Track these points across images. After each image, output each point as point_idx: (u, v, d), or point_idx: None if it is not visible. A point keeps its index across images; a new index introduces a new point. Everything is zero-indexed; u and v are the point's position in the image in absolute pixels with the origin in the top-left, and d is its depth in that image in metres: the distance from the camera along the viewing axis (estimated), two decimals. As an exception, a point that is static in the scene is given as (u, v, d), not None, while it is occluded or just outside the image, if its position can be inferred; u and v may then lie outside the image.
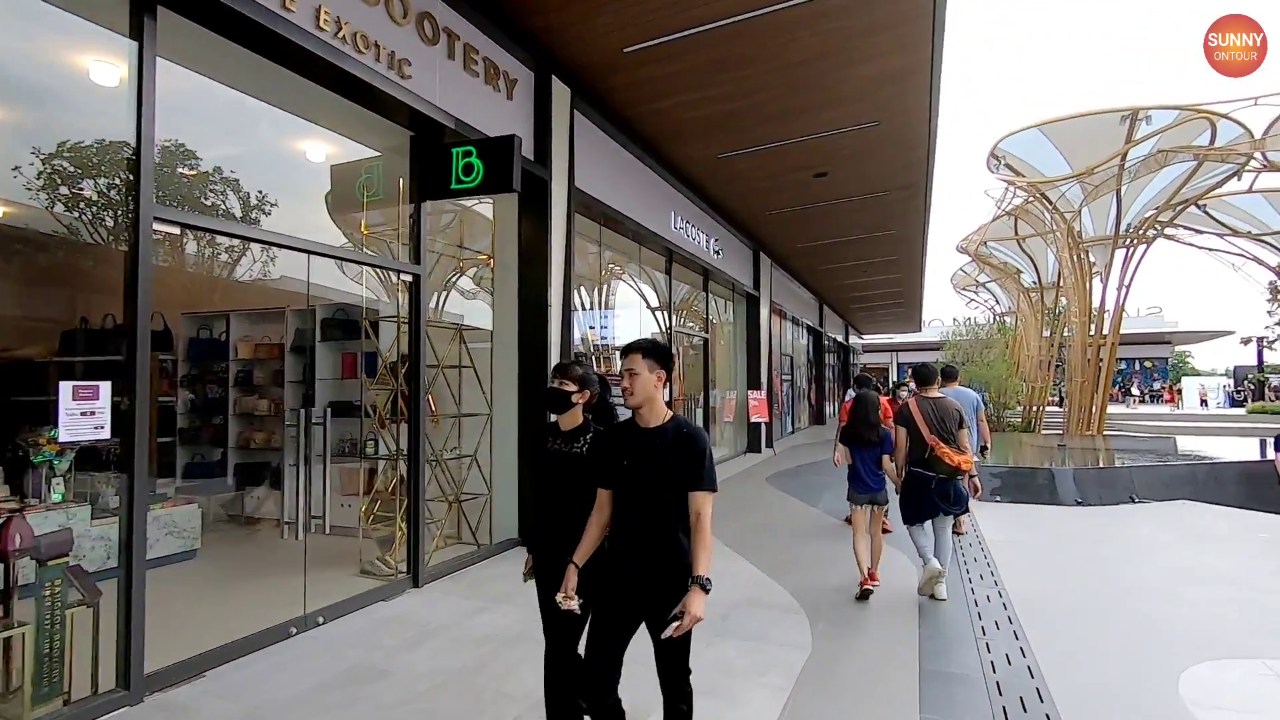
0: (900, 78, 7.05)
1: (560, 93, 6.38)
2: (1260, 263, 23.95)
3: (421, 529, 4.86)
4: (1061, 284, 26.32)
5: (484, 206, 6.39)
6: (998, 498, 8.62)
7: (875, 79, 7.02)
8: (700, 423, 11.96)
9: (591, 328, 9.80)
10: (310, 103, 4.47)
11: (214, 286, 7.02)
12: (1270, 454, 8.73)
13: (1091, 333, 20.04)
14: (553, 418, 2.67)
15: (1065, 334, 29.84)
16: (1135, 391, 38.19)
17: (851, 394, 5.99)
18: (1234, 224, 22.15)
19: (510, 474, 6.13)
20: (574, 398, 2.57)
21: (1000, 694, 3.30)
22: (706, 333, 12.12)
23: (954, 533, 6.64)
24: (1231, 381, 40.90)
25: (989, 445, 7.29)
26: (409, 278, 4.92)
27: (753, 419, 13.58)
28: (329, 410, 5.05)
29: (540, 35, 5.79)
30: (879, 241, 14.87)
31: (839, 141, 8.85)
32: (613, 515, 2.41)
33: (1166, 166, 16.19)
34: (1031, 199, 19.71)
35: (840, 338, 31.19)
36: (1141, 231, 18.64)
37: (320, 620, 4.15)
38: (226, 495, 6.74)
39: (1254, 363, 35.58)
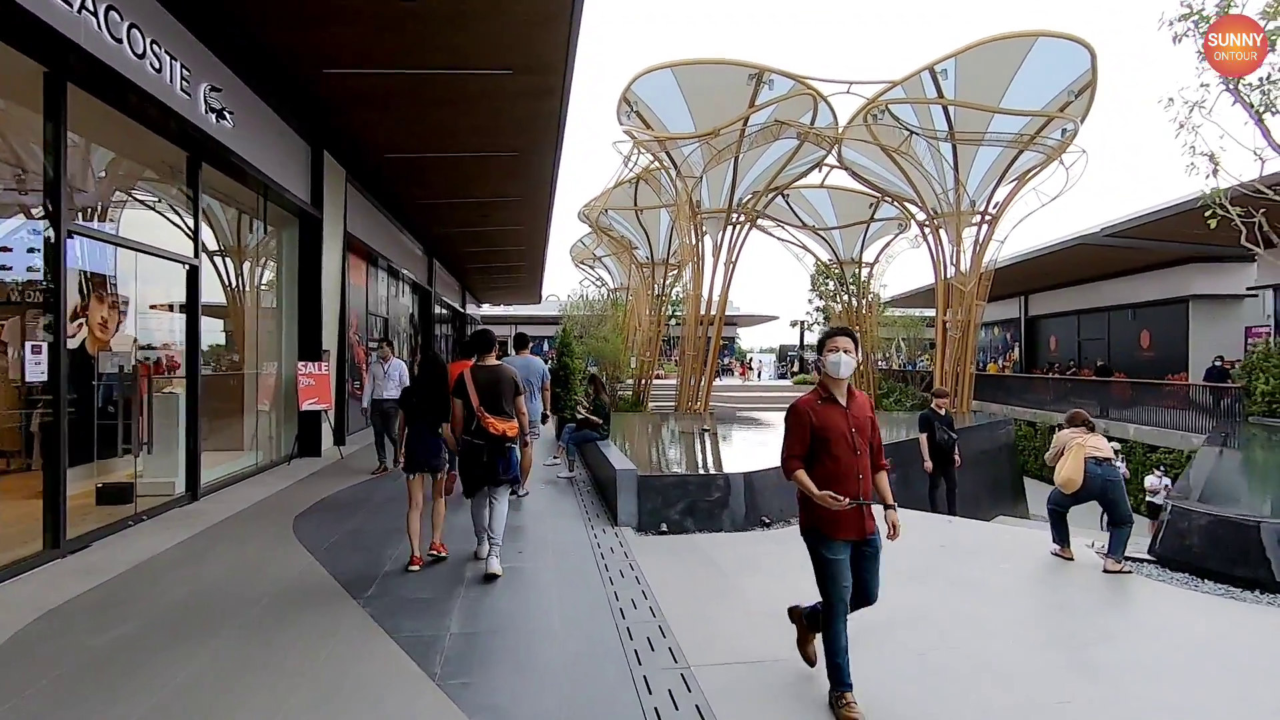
0: None
1: None
2: (814, 255, 27.61)
3: None
4: (672, 259, 26.98)
5: None
6: (665, 527, 5.70)
7: None
8: (183, 416, 6.70)
9: None
10: None
11: None
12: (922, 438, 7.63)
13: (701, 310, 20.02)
14: None
15: (678, 311, 31.11)
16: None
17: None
18: (804, 217, 24.83)
19: None
20: None
21: None
22: (196, 257, 6.83)
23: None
24: (775, 358, 49.88)
25: (548, 413, 7.61)
26: None
27: (304, 406, 8.74)
28: None
29: None
30: (502, 169, 11.29)
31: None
32: None
33: (779, 139, 16.23)
34: (655, 163, 18.61)
35: (457, 304, 27.34)
36: (749, 210, 18.96)
37: None
38: None
39: (796, 342, 43.26)
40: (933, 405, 8.02)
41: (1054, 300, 26.56)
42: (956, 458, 7.92)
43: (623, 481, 5.85)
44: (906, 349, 33.07)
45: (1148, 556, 4.98)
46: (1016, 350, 29.75)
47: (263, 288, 9.19)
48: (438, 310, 22.35)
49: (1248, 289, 17.85)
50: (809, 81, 15.01)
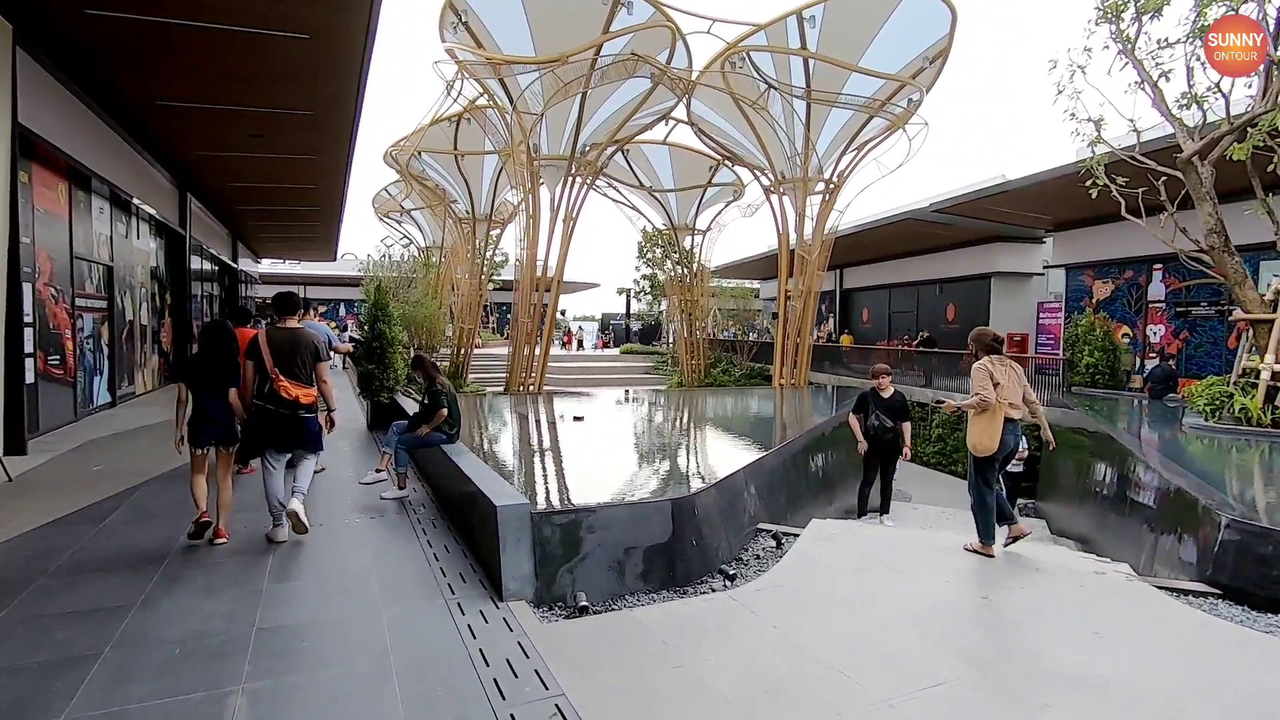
0: None
1: None
2: (647, 220, 26.22)
3: None
4: (496, 215, 24.09)
5: None
6: (584, 599, 3.61)
7: None
8: None
9: None
10: None
11: None
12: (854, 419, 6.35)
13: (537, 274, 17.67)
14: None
15: (498, 274, 28.14)
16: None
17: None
18: (642, 177, 23.26)
19: None
20: None
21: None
22: None
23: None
24: (599, 327, 48.69)
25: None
26: None
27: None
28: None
29: None
30: (287, 61, 8.07)
31: None
32: None
33: (633, 77, 14.26)
34: (484, 96, 15.72)
35: (226, 257, 22.16)
36: (590, 164, 16.87)
37: None
38: None
39: (620, 310, 42.20)
40: (875, 385, 6.65)
41: (868, 274, 27.91)
42: (906, 450, 6.62)
43: (509, 525, 3.63)
44: (724, 319, 32.93)
45: (1206, 587, 3.91)
46: (831, 321, 31.14)
47: None
48: (198, 264, 17.57)
49: (1044, 266, 19.54)
50: (669, 11, 13.20)
